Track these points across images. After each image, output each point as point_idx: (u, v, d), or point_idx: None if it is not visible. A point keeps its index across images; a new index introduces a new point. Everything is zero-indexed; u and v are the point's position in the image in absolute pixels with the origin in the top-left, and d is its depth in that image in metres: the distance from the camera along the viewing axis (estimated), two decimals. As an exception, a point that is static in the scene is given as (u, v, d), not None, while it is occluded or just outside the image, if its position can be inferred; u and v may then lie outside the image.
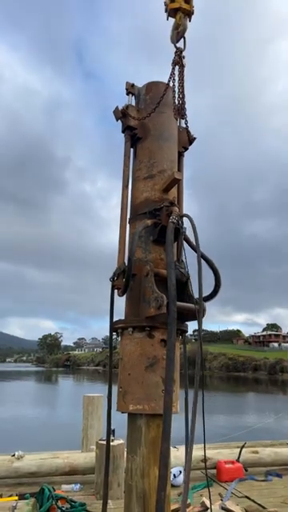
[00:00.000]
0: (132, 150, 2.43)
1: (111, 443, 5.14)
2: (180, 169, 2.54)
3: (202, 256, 2.04)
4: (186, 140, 2.56)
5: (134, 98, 2.48)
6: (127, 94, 2.46)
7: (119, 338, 2.17)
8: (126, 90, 2.46)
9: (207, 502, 4.64)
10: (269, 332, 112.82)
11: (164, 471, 1.68)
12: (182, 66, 2.29)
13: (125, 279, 2.05)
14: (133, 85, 2.49)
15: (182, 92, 2.32)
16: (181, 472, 5.65)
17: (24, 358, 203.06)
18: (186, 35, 2.30)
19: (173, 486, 5.29)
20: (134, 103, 2.48)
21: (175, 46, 2.32)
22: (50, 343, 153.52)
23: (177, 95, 2.32)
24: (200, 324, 1.96)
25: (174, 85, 2.36)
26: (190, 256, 2.15)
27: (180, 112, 2.31)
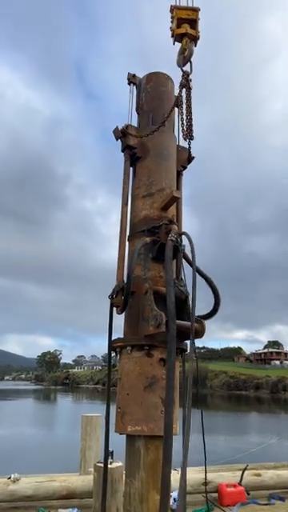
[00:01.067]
0: (131, 168, 2.46)
1: (109, 466, 5.02)
2: (179, 187, 2.56)
3: (201, 274, 2.04)
4: (185, 159, 2.59)
5: (135, 87, 2.55)
6: (129, 84, 2.54)
7: (118, 357, 2.15)
8: (128, 79, 2.54)
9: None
10: (270, 349, 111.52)
11: (166, 497, 1.63)
12: (189, 89, 2.35)
13: (124, 297, 2.04)
14: (134, 75, 2.57)
15: (189, 114, 2.36)
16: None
17: (23, 376, 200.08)
18: (192, 59, 2.37)
19: (173, 510, 5.12)
20: (135, 93, 2.55)
21: (182, 70, 2.38)
22: (49, 361, 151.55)
23: (185, 117, 2.36)
24: (193, 341, 1.93)
25: (181, 107, 2.40)
26: (188, 274, 2.15)
27: (189, 134, 2.34)
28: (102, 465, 5.03)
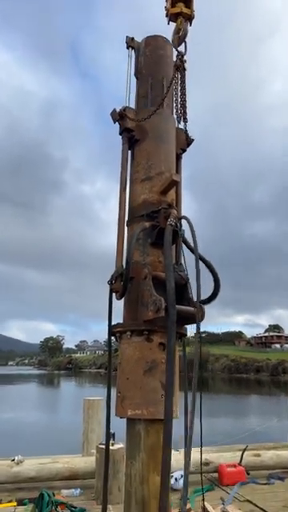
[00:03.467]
0: (130, 151, 2.41)
1: (111, 447, 5.11)
2: (178, 171, 2.52)
3: (200, 258, 2.01)
4: (184, 142, 2.54)
5: (134, 51, 2.51)
6: (127, 48, 2.49)
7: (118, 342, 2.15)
8: (126, 43, 2.49)
9: (208, 507, 4.60)
10: (271, 333, 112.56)
11: (166, 479, 1.65)
12: (183, 70, 2.30)
13: (123, 282, 2.03)
14: (132, 38, 2.52)
15: (183, 96, 2.32)
16: (182, 476, 5.60)
17: (26, 361, 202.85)
18: (187, 39, 2.31)
19: (174, 490, 5.24)
20: (134, 57, 2.50)
21: (177, 50, 2.32)
22: (52, 346, 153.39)
23: (179, 99, 2.31)
24: (198, 328, 1.93)
25: (175, 88, 2.36)
26: (188, 258, 2.13)
27: (183, 116, 2.32)
28: (103, 446, 5.13)
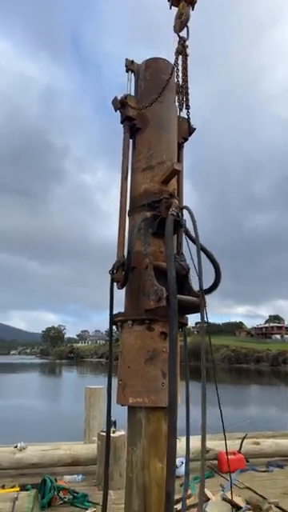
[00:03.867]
0: (131, 140, 2.39)
1: (113, 435, 5.19)
2: (180, 160, 2.50)
3: (202, 248, 2.01)
4: (186, 130, 2.52)
5: (133, 75, 2.45)
6: (127, 71, 2.42)
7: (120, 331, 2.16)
8: (126, 66, 2.42)
9: (208, 493, 4.68)
10: (271, 324, 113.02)
11: (172, 467, 1.67)
12: (185, 56, 2.26)
13: (124, 272, 2.04)
14: (132, 61, 2.45)
15: (185, 82, 2.29)
16: (182, 463, 5.69)
17: (28, 351, 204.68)
18: (189, 24, 2.27)
19: (176, 476, 5.32)
20: (133, 80, 2.44)
21: (178, 36, 2.28)
22: (54, 336, 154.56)
23: (181, 84, 2.28)
24: (202, 316, 1.93)
25: (177, 75, 2.32)
26: (189, 249, 2.13)
27: (185, 103, 2.29)
28: (105, 434, 5.21)
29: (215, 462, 6.25)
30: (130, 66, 2.43)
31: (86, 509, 4.55)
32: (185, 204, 2.30)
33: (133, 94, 2.44)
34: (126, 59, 2.43)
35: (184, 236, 2.14)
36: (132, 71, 2.44)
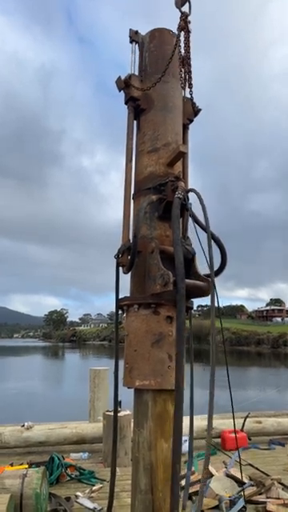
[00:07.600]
0: (135, 122, 2.35)
1: (118, 414, 5.29)
2: (185, 141, 2.46)
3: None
4: (191, 111, 2.46)
5: (137, 46, 2.37)
6: (131, 42, 2.35)
7: (125, 315, 2.17)
8: (130, 37, 2.35)
9: (212, 470, 4.80)
10: (272, 307, 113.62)
11: (178, 446, 1.70)
12: (187, 32, 2.18)
13: (130, 256, 2.03)
14: (136, 32, 2.38)
15: (188, 59, 2.22)
16: (186, 440, 5.82)
17: (31, 334, 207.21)
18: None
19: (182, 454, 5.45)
20: (137, 51, 2.37)
21: (180, 11, 2.20)
22: (56, 319, 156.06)
23: (183, 62, 2.21)
24: (213, 301, 1.89)
25: (179, 51, 2.25)
26: (194, 232, 2.10)
27: (188, 81, 2.22)
28: (111, 413, 5.32)
29: (218, 440, 6.39)
30: (134, 37, 2.35)
31: (93, 485, 4.68)
32: (191, 187, 2.27)
33: (137, 65, 2.37)
34: (130, 29, 2.35)
35: (191, 219, 2.11)
36: (136, 42, 2.36)
